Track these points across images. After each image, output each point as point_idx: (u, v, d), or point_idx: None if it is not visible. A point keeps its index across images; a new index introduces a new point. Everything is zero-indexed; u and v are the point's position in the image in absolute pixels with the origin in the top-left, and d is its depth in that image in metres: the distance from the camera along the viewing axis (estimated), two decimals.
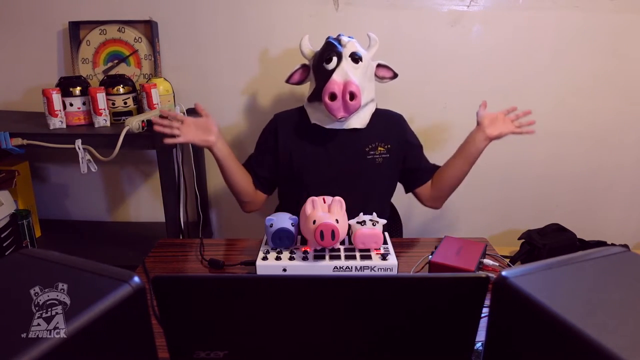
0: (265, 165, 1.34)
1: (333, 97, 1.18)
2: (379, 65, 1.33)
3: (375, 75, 1.33)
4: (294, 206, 1.16)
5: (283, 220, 1.05)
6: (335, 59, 1.23)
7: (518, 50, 1.67)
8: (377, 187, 1.35)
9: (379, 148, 1.31)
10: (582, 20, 1.63)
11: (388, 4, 1.62)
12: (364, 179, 1.31)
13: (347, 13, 1.63)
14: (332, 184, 1.26)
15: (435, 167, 1.40)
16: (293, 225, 1.05)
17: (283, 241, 1.04)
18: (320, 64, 1.26)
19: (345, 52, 1.24)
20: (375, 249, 1.02)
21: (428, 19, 1.64)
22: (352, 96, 1.17)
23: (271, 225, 1.04)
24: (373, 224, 1.02)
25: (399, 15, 1.64)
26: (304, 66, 1.34)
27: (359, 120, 1.27)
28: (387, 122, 1.35)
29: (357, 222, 1.03)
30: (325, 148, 1.30)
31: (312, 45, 1.34)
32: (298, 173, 1.31)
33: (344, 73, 1.20)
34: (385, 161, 1.31)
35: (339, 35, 1.31)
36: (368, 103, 1.29)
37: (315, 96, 1.25)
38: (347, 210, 1.04)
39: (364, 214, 1.05)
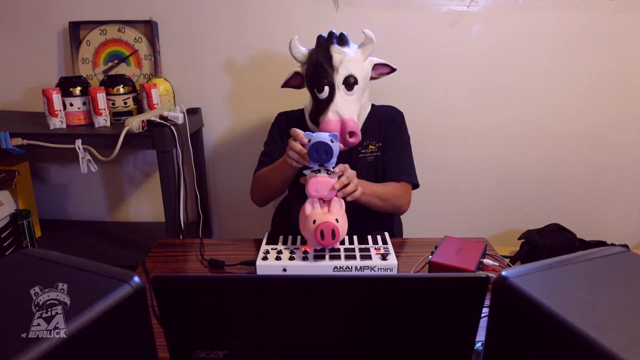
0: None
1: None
2: (375, 65, 1.28)
3: (372, 76, 1.28)
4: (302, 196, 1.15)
5: (322, 136, 1.03)
6: (327, 88, 1.18)
7: (518, 50, 1.67)
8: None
9: (370, 146, 1.31)
10: (582, 20, 1.63)
11: (388, 4, 1.62)
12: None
13: (347, 13, 1.63)
14: None
15: (399, 177, 1.29)
16: (333, 142, 1.02)
17: (320, 155, 1.01)
18: (311, 88, 1.23)
19: (338, 80, 1.18)
20: (376, 250, 1.02)
21: (428, 19, 1.64)
22: (352, 134, 1.16)
23: (309, 141, 1.03)
24: (328, 173, 1.04)
25: (399, 15, 1.64)
26: (296, 74, 1.29)
27: None
28: (382, 120, 1.33)
29: (312, 172, 1.05)
30: None
31: (303, 44, 1.27)
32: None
33: (340, 108, 1.17)
34: (377, 159, 1.31)
35: (332, 39, 1.21)
36: (361, 112, 1.26)
37: (314, 119, 1.24)
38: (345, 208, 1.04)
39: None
